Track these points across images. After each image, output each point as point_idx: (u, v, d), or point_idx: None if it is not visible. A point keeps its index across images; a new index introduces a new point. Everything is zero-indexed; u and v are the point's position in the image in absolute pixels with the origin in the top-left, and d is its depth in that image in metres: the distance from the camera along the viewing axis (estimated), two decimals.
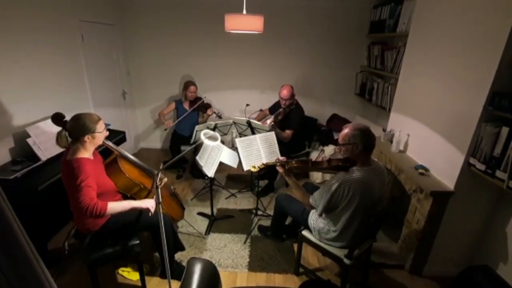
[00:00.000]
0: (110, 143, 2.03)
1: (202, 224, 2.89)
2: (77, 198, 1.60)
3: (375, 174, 1.82)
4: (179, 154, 1.91)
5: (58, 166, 2.33)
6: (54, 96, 2.80)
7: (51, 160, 2.33)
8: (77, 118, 1.72)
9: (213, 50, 4.25)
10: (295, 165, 2.02)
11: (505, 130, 1.62)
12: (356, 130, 1.78)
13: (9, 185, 1.99)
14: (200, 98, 3.78)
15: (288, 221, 2.72)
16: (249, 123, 3.16)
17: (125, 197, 2.07)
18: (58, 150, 2.41)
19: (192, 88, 3.73)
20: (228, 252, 2.54)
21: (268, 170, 3.32)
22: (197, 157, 2.72)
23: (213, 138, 1.70)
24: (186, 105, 3.80)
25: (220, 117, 3.73)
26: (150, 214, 1.85)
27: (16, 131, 2.37)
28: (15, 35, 2.38)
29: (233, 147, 3.31)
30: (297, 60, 4.28)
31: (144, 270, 2.09)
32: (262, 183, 3.55)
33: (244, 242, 2.66)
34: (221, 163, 2.55)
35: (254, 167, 2.18)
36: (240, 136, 3.21)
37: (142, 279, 2.04)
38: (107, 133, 1.88)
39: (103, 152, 2.17)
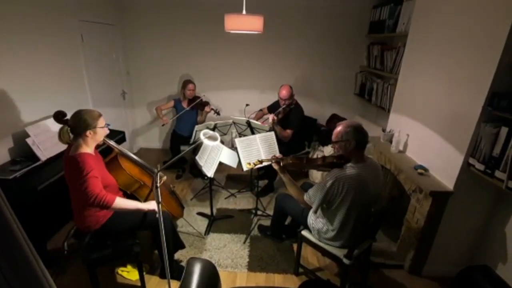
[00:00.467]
0: (110, 141, 2.04)
1: (201, 224, 2.89)
2: (85, 189, 1.63)
3: (370, 171, 1.83)
4: (179, 154, 1.91)
5: (57, 166, 2.33)
6: (53, 96, 2.79)
7: (51, 160, 2.33)
8: (78, 114, 1.76)
9: (213, 50, 4.25)
10: (290, 161, 2.05)
11: (504, 130, 1.62)
12: (349, 127, 1.81)
13: (8, 185, 1.99)
14: (198, 97, 3.79)
15: (288, 221, 2.73)
16: (248, 123, 3.16)
17: (125, 195, 2.08)
18: (58, 150, 2.41)
19: (190, 86, 3.73)
20: (228, 252, 2.54)
21: (267, 170, 3.32)
22: (196, 157, 2.72)
23: (213, 138, 1.70)
24: (184, 104, 3.79)
25: (218, 113, 3.74)
26: (156, 215, 1.85)
27: (16, 131, 2.37)
28: (15, 35, 2.37)
29: (233, 147, 3.31)
30: (297, 60, 4.28)
31: (144, 270, 2.09)
32: (262, 183, 3.55)
33: (244, 242, 2.66)
34: (220, 163, 2.55)
35: (249, 163, 2.20)
36: (240, 136, 3.21)
37: (142, 279, 2.04)
38: (108, 131, 1.90)
39: (102, 152, 2.17)
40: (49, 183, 2.20)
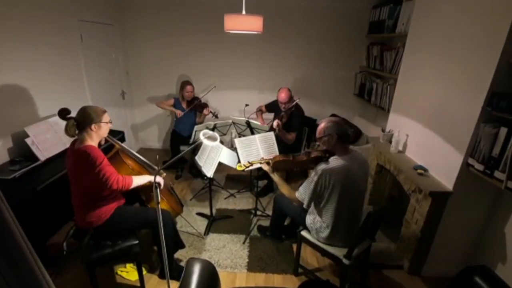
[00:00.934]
0: (112, 138, 2.06)
1: (201, 224, 2.89)
2: (103, 175, 1.72)
3: (355, 162, 1.88)
4: (179, 154, 1.92)
5: (57, 166, 2.33)
6: (52, 96, 2.79)
7: (50, 160, 2.33)
8: (84, 109, 1.83)
9: (212, 50, 4.25)
10: (278, 160, 2.14)
11: (503, 131, 1.63)
12: (329, 122, 1.91)
13: (7, 185, 1.99)
14: (197, 98, 3.78)
15: (287, 221, 2.73)
16: (248, 123, 3.16)
17: (125, 194, 2.08)
18: (57, 150, 2.41)
19: (188, 87, 3.71)
20: (227, 252, 2.54)
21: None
22: (196, 157, 2.72)
23: (212, 138, 1.70)
24: (184, 104, 3.79)
25: (216, 116, 3.73)
26: (161, 187, 1.99)
27: (15, 131, 2.37)
28: (14, 35, 2.37)
29: (232, 147, 3.31)
30: (297, 60, 4.28)
31: (143, 270, 2.09)
32: (261, 183, 3.55)
33: (243, 243, 2.66)
34: (220, 163, 2.55)
35: (240, 166, 2.26)
36: (239, 136, 3.21)
37: (141, 279, 2.04)
38: (112, 125, 1.95)
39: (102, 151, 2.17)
40: (49, 183, 2.19)
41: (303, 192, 1.95)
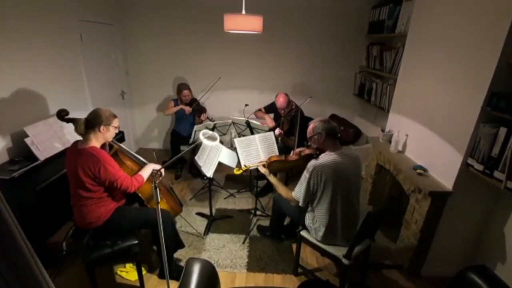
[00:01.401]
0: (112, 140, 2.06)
1: (200, 224, 2.89)
2: (116, 179, 1.79)
3: (346, 157, 1.93)
4: (178, 153, 1.92)
5: (56, 166, 2.33)
6: (52, 96, 2.78)
7: (49, 160, 2.33)
8: (97, 109, 1.87)
9: (212, 50, 4.25)
10: (273, 160, 2.26)
11: (503, 131, 1.63)
12: (317, 122, 1.99)
13: (7, 185, 1.98)
14: (195, 100, 3.78)
15: (287, 221, 2.73)
16: (248, 123, 3.16)
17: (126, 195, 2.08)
18: (56, 149, 2.41)
19: (185, 92, 3.69)
20: (227, 252, 2.54)
21: None
22: (196, 157, 2.72)
23: (212, 138, 1.70)
24: (182, 105, 3.78)
25: (213, 121, 3.73)
26: (162, 175, 2.06)
27: (14, 131, 2.36)
28: (13, 35, 2.37)
29: (232, 147, 3.31)
30: (296, 60, 4.28)
31: (143, 270, 2.09)
32: (261, 183, 3.55)
33: (243, 242, 2.66)
34: (220, 163, 2.55)
35: (237, 169, 2.34)
36: (239, 136, 3.21)
37: (141, 279, 2.04)
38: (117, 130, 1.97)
39: None
40: (48, 183, 2.19)
41: (298, 191, 1.99)
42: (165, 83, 4.45)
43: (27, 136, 2.26)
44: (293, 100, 3.45)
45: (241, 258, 2.48)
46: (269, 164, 2.29)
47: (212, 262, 2.28)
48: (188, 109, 3.69)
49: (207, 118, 3.73)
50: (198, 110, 3.74)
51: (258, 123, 3.15)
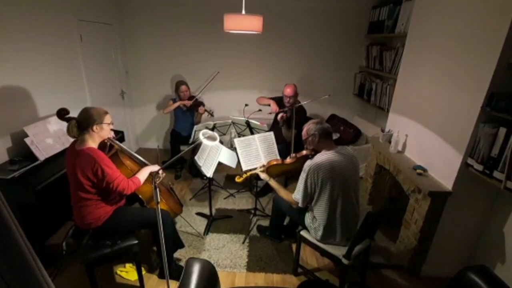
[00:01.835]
0: (111, 139, 2.07)
1: (200, 224, 2.89)
2: (113, 180, 1.76)
3: (341, 156, 1.95)
4: (178, 153, 1.92)
5: (56, 165, 2.33)
6: (52, 96, 2.78)
7: (49, 160, 2.32)
8: (86, 109, 1.83)
9: (212, 50, 4.25)
10: (272, 164, 2.35)
11: (502, 131, 1.63)
12: (310, 124, 2.04)
13: (6, 185, 1.98)
14: (193, 97, 3.78)
15: (287, 221, 2.73)
16: (248, 123, 3.16)
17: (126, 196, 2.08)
18: (56, 149, 2.41)
19: (183, 87, 3.70)
20: (227, 252, 2.54)
21: None
22: (195, 157, 2.72)
23: (212, 138, 1.70)
24: (181, 102, 3.78)
25: (212, 115, 3.75)
26: (161, 173, 2.08)
27: (14, 131, 2.36)
28: (13, 34, 2.36)
29: (232, 147, 3.31)
30: (296, 60, 4.28)
31: (143, 270, 2.09)
32: (261, 183, 3.53)
33: (243, 242, 2.66)
34: (219, 163, 2.55)
35: (239, 177, 2.39)
36: (239, 136, 3.21)
37: (141, 279, 2.04)
38: (112, 130, 1.97)
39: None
40: (48, 183, 2.19)
41: (297, 192, 2.02)
42: (165, 82, 4.45)
43: (27, 136, 2.26)
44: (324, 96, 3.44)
45: (241, 258, 2.48)
46: (269, 169, 2.35)
47: (212, 262, 2.28)
48: (187, 102, 3.69)
49: (206, 110, 3.72)
50: (196, 104, 3.74)
51: (258, 123, 3.15)
